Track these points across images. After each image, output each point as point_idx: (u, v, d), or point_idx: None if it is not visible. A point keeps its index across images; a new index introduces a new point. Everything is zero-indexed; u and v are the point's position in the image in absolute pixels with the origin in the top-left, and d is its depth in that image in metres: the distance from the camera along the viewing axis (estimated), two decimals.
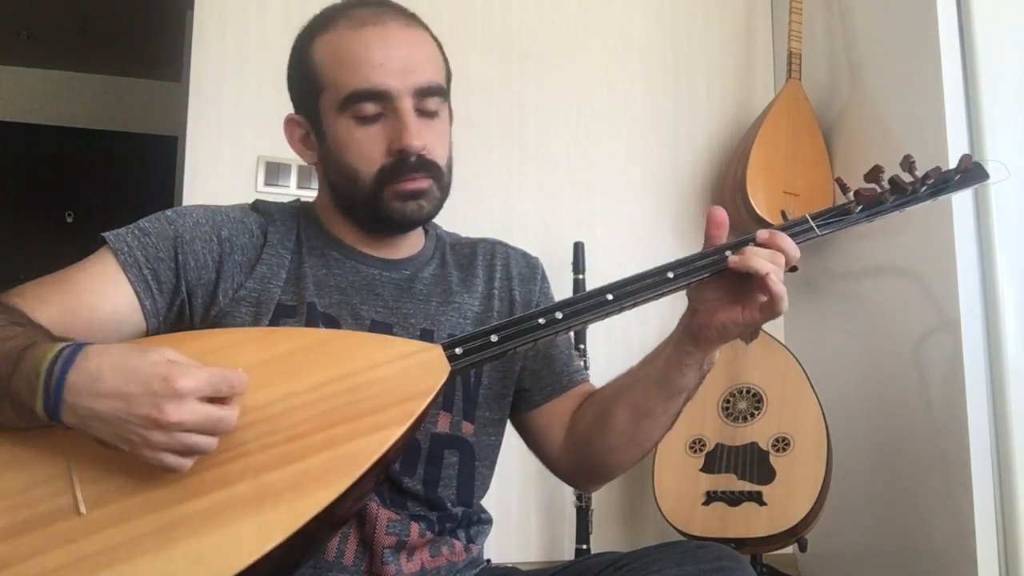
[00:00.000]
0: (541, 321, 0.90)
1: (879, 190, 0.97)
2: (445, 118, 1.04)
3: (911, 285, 1.98)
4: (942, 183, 0.99)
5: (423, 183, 1.00)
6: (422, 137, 0.98)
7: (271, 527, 0.77)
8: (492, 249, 1.17)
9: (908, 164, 0.97)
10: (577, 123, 2.44)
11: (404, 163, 0.99)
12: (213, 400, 0.77)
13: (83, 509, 0.78)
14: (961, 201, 1.84)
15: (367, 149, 0.99)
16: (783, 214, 2.21)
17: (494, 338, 0.89)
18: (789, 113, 2.31)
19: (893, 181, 0.96)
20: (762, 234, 0.93)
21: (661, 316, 2.31)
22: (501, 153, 2.33)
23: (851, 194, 0.97)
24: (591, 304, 0.91)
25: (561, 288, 2.16)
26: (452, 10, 2.35)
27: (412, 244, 1.11)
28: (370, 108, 0.98)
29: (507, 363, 1.09)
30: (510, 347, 0.89)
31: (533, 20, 2.45)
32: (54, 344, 0.78)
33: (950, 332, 1.83)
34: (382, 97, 0.98)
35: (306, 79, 1.03)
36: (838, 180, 0.99)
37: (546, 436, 1.10)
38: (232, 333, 0.94)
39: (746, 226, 2.35)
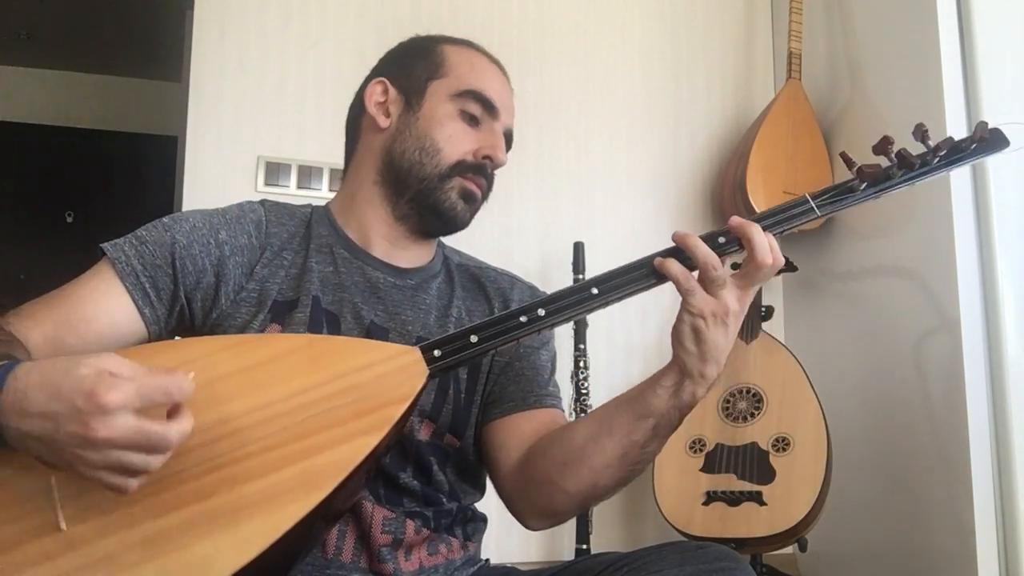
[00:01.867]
0: (523, 319, 0.88)
1: (887, 164, 0.91)
2: None
3: (911, 285, 1.98)
4: (955, 153, 0.93)
5: (480, 192, 1.09)
6: (506, 158, 1.11)
7: (247, 540, 0.77)
8: (497, 276, 1.18)
9: (921, 133, 0.92)
10: (577, 123, 2.44)
11: (482, 168, 1.08)
12: (152, 413, 0.72)
13: (63, 525, 0.78)
14: (961, 201, 1.84)
15: (459, 138, 1.07)
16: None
17: (474, 338, 0.87)
18: (789, 113, 2.31)
19: (900, 155, 0.90)
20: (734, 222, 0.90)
21: (661, 312, 2.31)
22: None
23: (854, 170, 0.91)
24: (574, 300, 0.88)
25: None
26: (452, 10, 2.35)
27: (422, 256, 1.13)
28: (476, 110, 1.08)
29: (493, 377, 1.08)
30: (491, 347, 0.88)
31: (533, 20, 2.45)
32: None
33: (950, 332, 1.83)
34: (490, 111, 1.09)
35: (424, 60, 1.11)
36: (843, 155, 0.93)
37: (500, 451, 1.05)
38: (207, 342, 0.92)
39: None
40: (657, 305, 2.27)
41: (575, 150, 2.42)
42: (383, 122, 1.09)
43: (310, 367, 0.85)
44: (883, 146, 0.90)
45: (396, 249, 1.10)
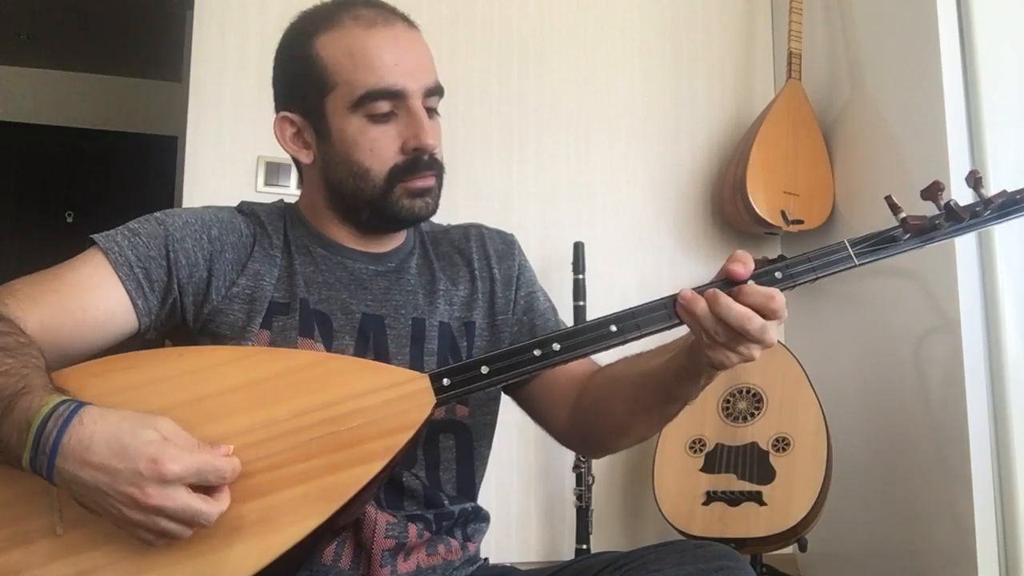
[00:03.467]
0: (536, 353, 0.86)
1: (934, 211, 0.86)
2: (438, 118, 1.06)
3: (911, 285, 1.98)
4: (1009, 206, 0.87)
5: (431, 181, 1.03)
6: (434, 136, 1.01)
7: (241, 560, 0.77)
8: (466, 232, 1.16)
9: (975, 180, 0.86)
10: (577, 123, 2.44)
11: (418, 161, 1.01)
12: (200, 488, 0.76)
13: (60, 531, 0.78)
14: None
15: (380, 147, 1.00)
16: (783, 214, 2.21)
17: (485, 369, 0.86)
18: (789, 113, 2.31)
19: (950, 207, 0.84)
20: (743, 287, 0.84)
21: None
22: (501, 153, 2.33)
23: (899, 219, 0.86)
24: (593, 336, 0.87)
25: (561, 288, 2.16)
26: (452, 10, 2.35)
27: (397, 237, 1.12)
28: (384, 107, 0.99)
29: (494, 341, 1.10)
30: (501, 380, 0.86)
31: (533, 20, 2.44)
32: (49, 397, 0.76)
33: (950, 332, 1.83)
34: (397, 96, 0.99)
35: (308, 77, 1.02)
36: (888, 199, 0.86)
37: (549, 412, 1.10)
38: (215, 352, 0.91)
39: (746, 226, 2.35)
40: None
41: (575, 150, 2.42)
42: (306, 157, 1.05)
43: (317, 387, 0.85)
44: (932, 192, 0.85)
45: (371, 241, 1.09)
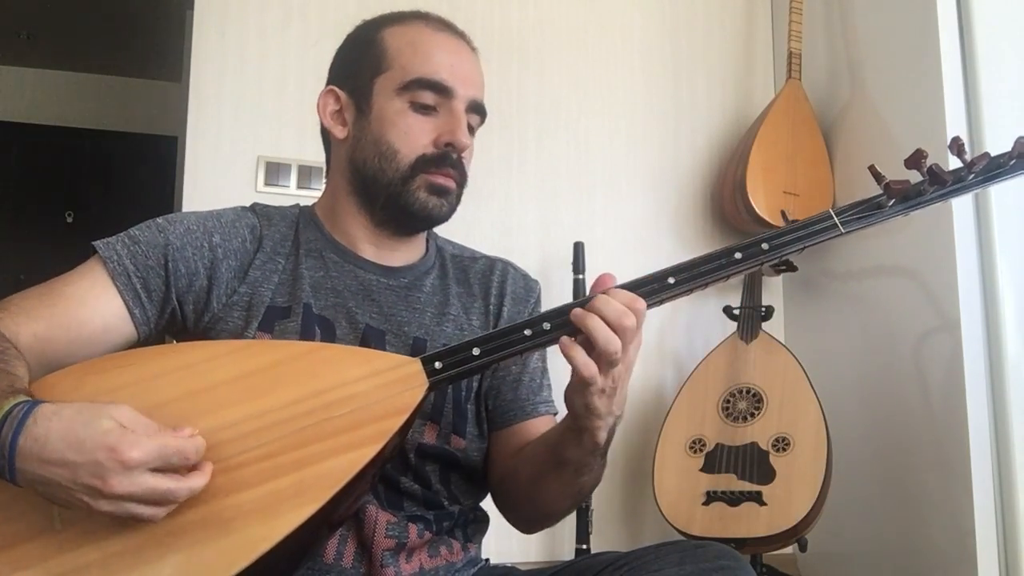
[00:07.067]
0: (527, 332, 0.85)
1: (921, 178, 0.86)
2: (472, 140, 1.09)
3: (911, 285, 1.98)
4: (993, 169, 0.87)
5: (452, 183, 1.04)
6: (469, 140, 1.04)
7: (239, 549, 0.77)
8: (492, 265, 1.16)
9: (957, 147, 0.86)
10: (577, 123, 2.43)
11: (446, 157, 1.03)
12: (165, 470, 0.76)
13: (59, 526, 0.78)
14: (961, 200, 1.84)
15: (414, 133, 1.02)
16: (783, 214, 2.21)
17: (476, 351, 0.86)
18: (789, 113, 2.31)
19: (932, 171, 0.85)
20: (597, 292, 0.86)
21: (659, 311, 2.31)
22: (501, 153, 2.33)
23: (882, 185, 0.86)
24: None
25: (561, 288, 2.16)
26: (452, 9, 2.34)
27: (413, 251, 1.11)
28: (428, 98, 1.03)
29: (489, 376, 1.08)
30: (493, 360, 0.86)
31: (533, 20, 2.44)
32: (4, 402, 0.76)
33: (950, 332, 1.83)
34: (444, 93, 1.03)
35: (366, 57, 1.06)
36: (871, 168, 0.87)
37: (490, 464, 1.08)
38: (209, 347, 0.92)
39: (746, 226, 2.35)
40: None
41: (575, 150, 2.42)
42: (340, 133, 1.07)
43: (309, 375, 0.85)
44: (916, 160, 0.85)
45: (384, 251, 1.09)
